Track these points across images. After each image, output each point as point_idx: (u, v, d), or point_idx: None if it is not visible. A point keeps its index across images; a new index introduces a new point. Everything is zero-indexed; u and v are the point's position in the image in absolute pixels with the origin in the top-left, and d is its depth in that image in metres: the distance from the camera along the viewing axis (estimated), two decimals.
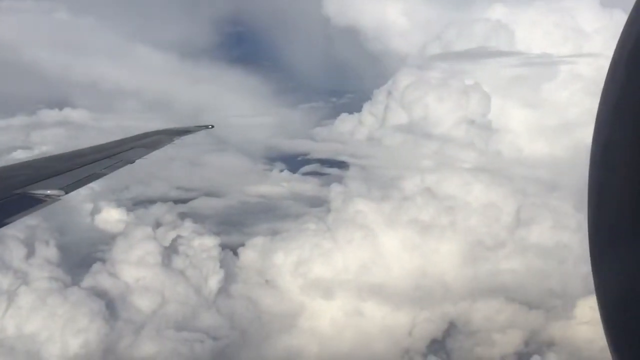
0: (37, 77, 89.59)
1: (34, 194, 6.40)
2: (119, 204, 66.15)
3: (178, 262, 44.84)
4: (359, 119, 66.39)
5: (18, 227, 51.60)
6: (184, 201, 69.33)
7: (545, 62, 63.16)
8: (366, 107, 64.63)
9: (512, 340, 48.36)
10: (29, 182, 6.79)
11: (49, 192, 6.49)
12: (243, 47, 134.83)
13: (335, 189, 56.22)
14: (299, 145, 79.12)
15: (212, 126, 14.10)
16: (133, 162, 9.39)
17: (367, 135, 61.95)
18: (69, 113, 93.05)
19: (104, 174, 8.31)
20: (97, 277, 40.07)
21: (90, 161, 8.73)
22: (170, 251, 45.32)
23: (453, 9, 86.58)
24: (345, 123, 72.62)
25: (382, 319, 47.44)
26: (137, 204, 69.08)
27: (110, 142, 10.98)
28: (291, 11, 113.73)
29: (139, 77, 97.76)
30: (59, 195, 6.51)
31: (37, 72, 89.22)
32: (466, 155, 53.27)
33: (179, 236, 50.01)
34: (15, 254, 39.67)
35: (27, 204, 6.12)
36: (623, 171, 1.46)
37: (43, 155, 9.44)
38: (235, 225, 63.62)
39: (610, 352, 1.56)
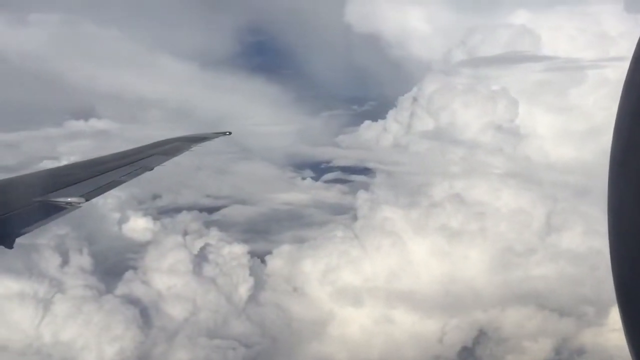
0: (63, 88, 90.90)
1: (55, 201, 6.44)
2: (145, 212, 66.75)
3: (208, 269, 45.03)
4: (384, 126, 66.34)
5: (49, 235, 52.15)
6: (209, 209, 69.68)
7: (571, 66, 62.72)
8: (391, 114, 64.62)
9: (542, 348, 47.81)
10: (50, 190, 6.85)
11: (69, 199, 6.53)
12: (263, 55, 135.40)
13: (362, 196, 56.16)
14: (323, 152, 79.24)
15: (230, 133, 14.06)
16: (152, 169, 9.44)
17: (393, 142, 61.86)
18: (94, 124, 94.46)
19: (123, 182, 8.36)
20: (130, 285, 40.36)
21: (109, 169, 8.77)
22: (199, 259, 45.53)
23: (475, 15, 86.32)
24: (369, 130, 72.62)
25: (412, 326, 47.16)
26: (162, 213, 69.58)
27: (129, 150, 11.05)
28: (312, 19, 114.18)
29: (162, 86, 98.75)
30: (79, 203, 6.55)
31: (63, 83, 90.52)
32: (494, 161, 52.94)
33: (207, 244, 50.26)
34: (49, 262, 40.11)
35: (48, 211, 6.17)
36: None
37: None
38: (260, 233, 63.77)
39: (631, 354, 1.53)
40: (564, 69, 62.84)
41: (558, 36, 65.34)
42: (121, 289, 40.30)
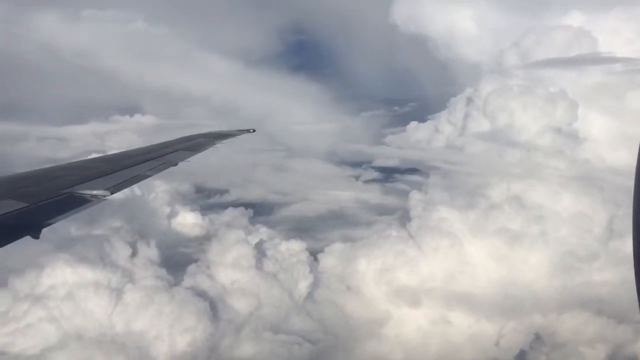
0: (112, 84, 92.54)
1: (81, 193, 6.50)
2: (193, 207, 67.57)
3: (267, 265, 45.32)
4: (436, 127, 66.02)
5: (105, 228, 52.95)
6: (254, 206, 70.16)
7: (629, 69, 61.55)
8: (443, 114, 64.26)
9: (598, 355, 47.04)
10: (77, 182, 6.92)
11: (95, 192, 6.57)
12: (306, 54, 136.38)
13: (415, 196, 55.83)
14: (372, 151, 79.36)
15: (254, 130, 13.84)
16: (176, 164, 9.39)
17: (447, 143, 61.47)
18: (139, 119, 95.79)
19: (148, 176, 8.32)
20: (195, 279, 40.78)
21: (135, 163, 8.81)
22: (257, 255, 45.80)
23: (525, 16, 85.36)
24: (418, 131, 72.38)
25: (469, 328, 46.80)
26: (209, 208, 70.48)
27: (154, 145, 11.08)
28: (356, 19, 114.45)
29: (207, 84, 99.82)
30: (104, 196, 6.57)
31: (112, 79, 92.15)
32: (553, 164, 52.21)
33: (262, 240, 50.55)
34: (116, 253, 40.76)
35: (74, 203, 6.21)
36: None
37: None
38: (307, 231, 64.02)
39: None
40: (621, 72, 61.78)
41: (615, 38, 64.16)
42: (187, 281, 40.77)
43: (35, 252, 42.26)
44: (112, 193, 6.79)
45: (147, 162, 9.11)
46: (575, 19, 68.93)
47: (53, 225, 5.60)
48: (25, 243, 5.15)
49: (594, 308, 47.18)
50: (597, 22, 67.71)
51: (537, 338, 47.64)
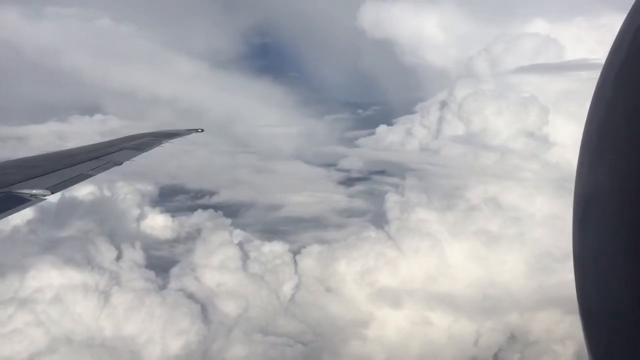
0: (74, 83, 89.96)
1: (19, 193, 6.28)
2: (162, 210, 66.34)
3: (252, 267, 44.90)
4: (407, 129, 66.85)
5: (72, 230, 51.38)
6: (222, 207, 69.36)
7: (593, 77, 63.60)
8: (415, 117, 65.21)
9: (567, 351, 48.56)
10: (15, 181, 6.67)
11: (34, 191, 6.37)
12: (271, 57, 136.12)
13: (392, 198, 56.33)
14: (345, 154, 79.59)
15: (202, 130, 13.89)
16: (121, 163, 9.27)
17: (420, 146, 62.35)
18: (99, 119, 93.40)
19: (91, 175, 8.13)
20: (181, 281, 40.02)
21: (77, 162, 8.60)
22: (243, 257, 45.33)
23: (491, 24, 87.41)
24: (389, 134, 73.10)
25: (449, 328, 47.54)
26: (178, 210, 69.32)
27: (99, 144, 10.94)
28: (323, 23, 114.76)
29: (173, 85, 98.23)
30: (44, 195, 6.39)
31: (75, 78, 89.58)
32: (527, 166, 53.67)
33: (241, 242, 50.09)
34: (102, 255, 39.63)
35: (11, 203, 5.99)
36: (608, 187, 1.52)
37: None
38: (278, 233, 63.69)
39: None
40: (587, 80, 64.00)
41: (579, 46, 66.46)
42: (173, 284, 39.97)
43: (10, 254, 40.78)
44: (52, 192, 6.54)
45: (91, 161, 8.86)
46: (539, 27, 71.18)
47: None
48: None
49: (567, 307, 48.68)
50: (561, 30, 70.13)
51: (512, 336, 48.83)
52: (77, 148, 10.11)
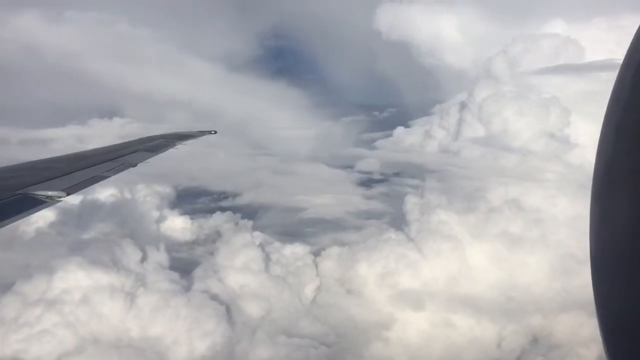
0: (93, 86, 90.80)
1: (36, 194, 6.33)
2: (182, 212, 66.67)
3: (274, 269, 44.95)
4: (426, 131, 66.72)
5: (95, 232, 51.75)
6: (241, 210, 69.58)
7: (614, 78, 63.10)
8: (434, 119, 65.04)
9: (591, 354, 48.07)
10: (31, 183, 6.73)
11: (50, 193, 6.43)
12: (287, 59, 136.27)
13: (411, 200, 56.18)
14: (363, 155, 79.47)
15: (215, 132, 13.96)
16: (135, 165, 9.30)
17: (439, 147, 62.17)
18: (117, 122, 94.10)
19: (106, 177, 8.17)
20: (205, 282, 40.15)
21: (92, 163, 8.63)
22: (265, 258, 45.41)
23: (508, 24, 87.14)
24: (407, 135, 73.01)
25: (471, 331, 47.25)
26: (197, 212, 69.53)
27: (113, 145, 11.00)
28: (340, 25, 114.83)
29: (189, 87, 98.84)
30: (60, 197, 6.44)
31: (94, 81, 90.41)
32: (548, 168, 53.31)
33: (262, 244, 50.14)
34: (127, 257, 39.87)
35: (28, 204, 6.06)
36: (625, 188, 1.50)
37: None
38: (297, 235, 63.67)
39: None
40: (607, 81, 63.46)
41: (599, 47, 65.95)
42: (197, 285, 40.12)
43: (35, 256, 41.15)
44: (68, 194, 6.59)
45: (105, 162, 8.90)
46: (558, 27, 70.74)
47: (8, 226, 5.40)
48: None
49: (591, 309, 48.08)
50: (580, 31, 69.65)
51: (535, 339, 48.43)
52: (91, 150, 10.24)
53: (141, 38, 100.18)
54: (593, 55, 65.01)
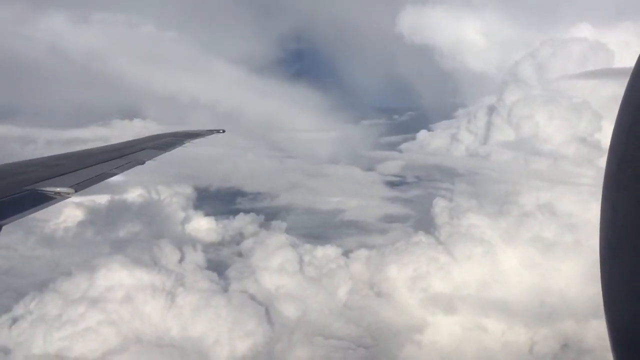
0: (117, 87, 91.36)
1: (44, 190, 6.37)
2: (206, 212, 66.87)
3: (307, 271, 44.94)
4: (452, 135, 66.50)
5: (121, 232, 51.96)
6: (264, 211, 69.77)
7: None
8: (462, 123, 64.81)
9: None
10: (40, 179, 6.80)
11: (58, 189, 6.46)
12: (308, 62, 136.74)
13: (440, 203, 56.02)
14: (384, 158, 79.44)
15: (224, 131, 13.88)
16: (143, 163, 9.29)
17: (467, 151, 61.93)
18: (138, 124, 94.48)
19: (114, 174, 8.19)
20: (242, 283, 40.18)
21: (100, 161, 8.69)
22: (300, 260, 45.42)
23: (533, 28, 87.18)
24: (432, 139, 72.86)
25: (503, 335, 47.04)
26: (219, 214, 69.67)
27: (122, 143, 11.03)
28: (360, 28, 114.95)
29: (212, 90, 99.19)
30: (68, 193, 6.46)
31: (118, 83, 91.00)
32: (580, 172, 52.99)
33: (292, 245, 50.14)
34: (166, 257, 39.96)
35: (36, 200, 6.10)
36: (635, 190, 1.50)
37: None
38: (322, 237, 63.62)
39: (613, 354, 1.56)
40: None
41: (628, 51, 65.50)
42: (234, 285, 40.19)
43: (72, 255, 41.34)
44: (76, 191, 6.63)
45: (114, 160, 8.97)
46: (585, 31, 70.30)
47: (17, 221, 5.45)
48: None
49: None
50: (607, 35, 69.15)
51: (567, 344, 48.13)
52: (100, 147, 10.31)
53: (165, 40, 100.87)
54: (622, 59, 64.56)
